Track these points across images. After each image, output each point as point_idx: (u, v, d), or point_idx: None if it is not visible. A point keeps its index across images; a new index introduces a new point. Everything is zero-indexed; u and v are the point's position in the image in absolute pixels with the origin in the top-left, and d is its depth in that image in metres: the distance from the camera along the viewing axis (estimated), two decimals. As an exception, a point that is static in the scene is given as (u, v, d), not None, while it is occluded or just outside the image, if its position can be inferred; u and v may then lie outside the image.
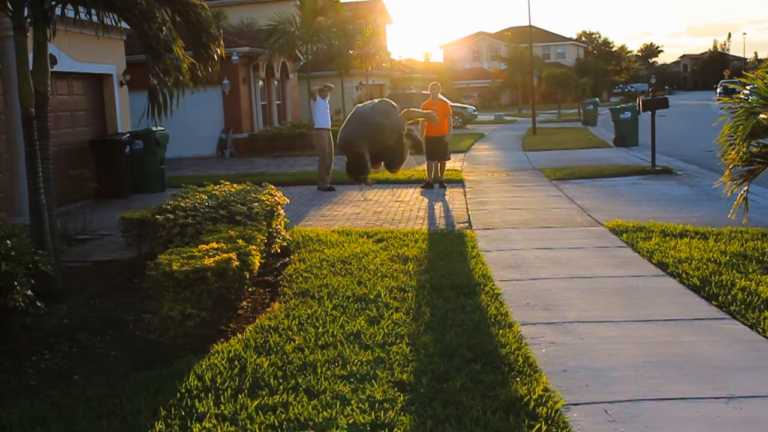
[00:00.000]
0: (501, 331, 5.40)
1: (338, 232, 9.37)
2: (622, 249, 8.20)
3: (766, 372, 4.67)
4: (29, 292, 5.43)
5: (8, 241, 5.58)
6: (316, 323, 5.72)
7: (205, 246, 6.25)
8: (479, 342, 5.15)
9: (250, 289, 6.75)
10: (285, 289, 6.81)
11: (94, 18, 7.25)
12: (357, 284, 6.79)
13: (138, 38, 7.40)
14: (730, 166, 7.52)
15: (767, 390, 4.39)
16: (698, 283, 6.57)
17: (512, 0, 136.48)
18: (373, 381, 4.55)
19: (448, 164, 15.93)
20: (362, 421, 4.03)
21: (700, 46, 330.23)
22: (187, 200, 7.98)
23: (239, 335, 5.52)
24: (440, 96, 14.81)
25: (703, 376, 4.61)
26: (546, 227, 9.73)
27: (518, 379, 4.53)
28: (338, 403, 4.26)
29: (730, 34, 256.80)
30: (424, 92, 40.21)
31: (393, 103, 7.21)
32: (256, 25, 28.91)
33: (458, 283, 6.72)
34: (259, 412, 4.19)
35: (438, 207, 11.80)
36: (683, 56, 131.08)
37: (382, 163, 6.99)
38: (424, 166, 14.62)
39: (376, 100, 7.35)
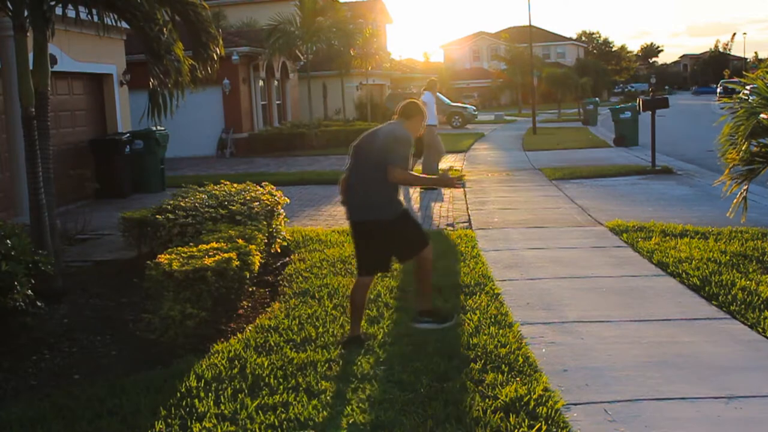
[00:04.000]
0: (501, 331, 5.40)
1: (338, 231, 9.36)
2: (622, 249, 8.20)
3: (766, 372, 4.67)
4: (29, 292, 5.43)
5: (8, 241, 5.58)
6: (317, 323, 5.72)
7: (205, 246, 6.25)
8: (479, 342, 5.15)
9: (250, 289, 6.75)
10: (285, 288, 6.81)
11: (95, 18, 7.26)
12: (357, 284, 6.78)
13: (139, 40, 7.40)
14: (730, 166, 7.52)
15: (767, 390, 4.39)
16: (698, 282, 6.57)
17: (512, 0, 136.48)
18: (373, 380, 4.55)
19: (449, 163, 16.01)
20: (362, 420, 4.03)
21: (700, 45, 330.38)
22: (187, 200, 7.98)
23: (239, 335, 5.52)
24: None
25: (703, 376, 4.61)
26: (546, 227, 9.73)
27: (518, 379, 4.53)
28: (338, 402, 4.26)
29: (734, 33, 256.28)
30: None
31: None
32: (256, 25, 28.94)
33: (458, 283, 6.72)
34: (259, 411, 4.19)
35: (438, 207, 11.79)
36: (683, 56, 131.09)
37: None
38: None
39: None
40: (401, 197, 5.33)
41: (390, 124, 5.42)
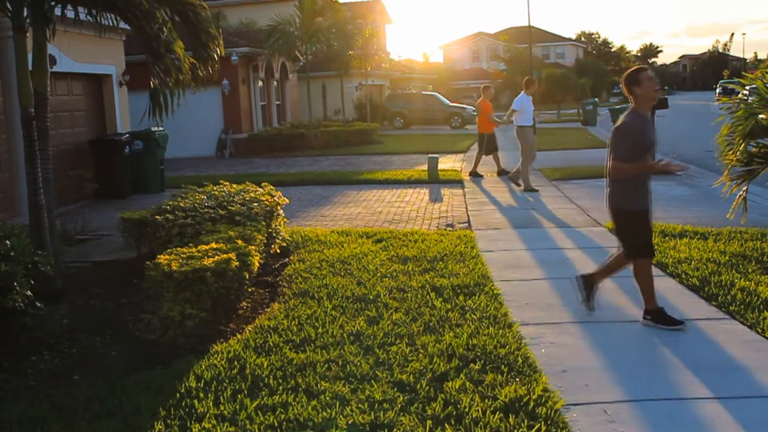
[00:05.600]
0: (501, 331, 5.40)
1: (338, 232, 9.37)
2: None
3: (766, 372, 4.68)
4: (29, 293, 5.43)
5: (8, 241, 5.58)
6: (316, 323, 5.72)
7: (204, 246, 6.25)
8: (479, 342, 5.16)
9: (249, 290, 6.75)
10: (284, 289, 6.81)
11: (95, 18, 7.26)
12: (357, 284, 6.79)
13: (138, 39, 7.40)
14: (729, 167, 7.53)
15: (767, 390, 4.39)
16: (698, 283, 6.58)
17: (512, 0, 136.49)
18: (372, 381, 4.55)
19: (449, 164, 16.04)
20: (362, 421, 4.03)
21: (699, 46, 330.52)
22: (186, 200, 7.98)
23: (239, 335, 5.52)
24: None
25: (703, 376, 4.61)
26: (545, 227, 9.73)
27: (518, 379, 4.53)
28: (338, 403, 4.26)
29: (733, 33, 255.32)
30: (423, 93, 40.33)
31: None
32: (256, 25, 28.94)
33: (458, 283, 6.72)
34: (259, 412, 4.19)
35: (438, 207, 11.80)
36: (683, 56, 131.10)
37: None
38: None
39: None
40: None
41: (626, 110, 5.54)
